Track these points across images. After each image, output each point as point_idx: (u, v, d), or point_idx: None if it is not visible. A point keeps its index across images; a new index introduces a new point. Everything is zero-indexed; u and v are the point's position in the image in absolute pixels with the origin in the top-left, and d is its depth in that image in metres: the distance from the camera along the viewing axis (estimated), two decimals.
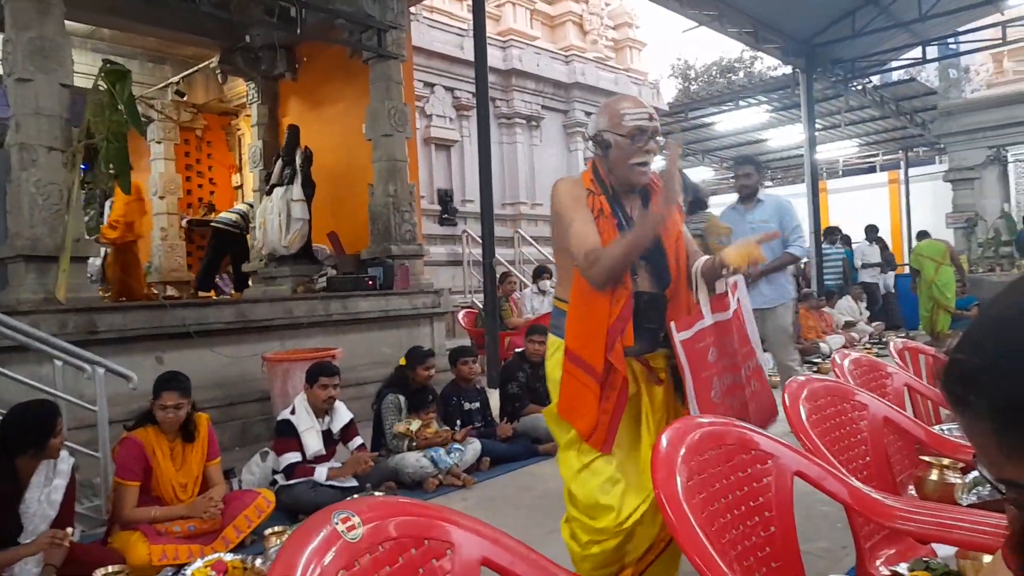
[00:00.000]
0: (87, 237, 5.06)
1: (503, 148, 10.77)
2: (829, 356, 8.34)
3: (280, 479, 3.71)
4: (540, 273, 7.92)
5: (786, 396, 2.06)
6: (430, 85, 10.10)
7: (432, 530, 1.21)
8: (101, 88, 5.24)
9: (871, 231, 12.26)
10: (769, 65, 26.44)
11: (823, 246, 11.93)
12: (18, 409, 2.89)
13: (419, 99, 9.56)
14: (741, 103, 15.88)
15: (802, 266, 10.91)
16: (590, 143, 2.24)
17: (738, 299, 2.22)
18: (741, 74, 26.96)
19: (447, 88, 10.35)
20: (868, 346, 8.98)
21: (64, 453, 2.97)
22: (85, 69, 7.45)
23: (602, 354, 2.06)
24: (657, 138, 2.12)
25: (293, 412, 3.84)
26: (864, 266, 11.65)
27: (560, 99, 11.92)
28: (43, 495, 2.80)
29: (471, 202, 10.02)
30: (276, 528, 3.21)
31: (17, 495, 2.76)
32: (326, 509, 1.08)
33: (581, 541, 2.16)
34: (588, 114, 12.23)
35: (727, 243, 3.64)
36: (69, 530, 2.78)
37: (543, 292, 7.80)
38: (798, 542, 1.66)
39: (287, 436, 3.76)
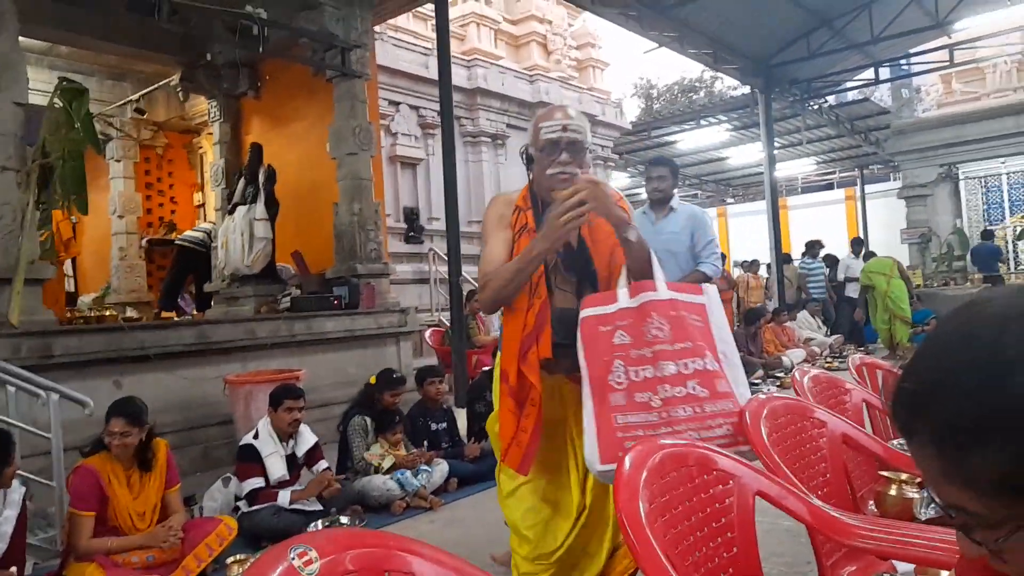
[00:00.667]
0: (41, 259, 4.92)
1: (468, 166, 10.82)
2: (791, 370, 8.50)
3: (243, 505, 3.63)
4: None
5: (747, 414, 2.08)
6: (395, 104, 10.10)
7: (392, 561, 1.19)
8: (57, 106, 5.14)
9: (857, 244, 12.38)
10: (729, 85, 26.99)
11: (805, 260, 12.17)
12: None
13: (384, 117, 9.56)
14: (702, 122, 16.20)
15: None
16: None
17: (699, 298, 2.01)
18: (702, 94, 27.48)
19: (412, 107, 10.37)
20: (829, 360, 9.16)
21: (15, 482, 2.88)
22: (41, 86, 7.29)
23: (516, 365, 1.99)
24: (578, 148, 2.07)
25: (256, 436, 3.77)
26: (848, 280, 11.38)
27: (525, 117, 12.01)
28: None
29: (437, 220, 10.02)
30: (239, 556, 3.15)
31: None
32: (282, 544, 1.06)
33: (519, 569, 2.14)
34: None
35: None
36: (13, 569, 2.69)
37: None
38: (760, 561, 1.68)
39: (250, 461, 3.69)
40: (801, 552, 3.18)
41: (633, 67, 40.84)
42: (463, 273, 6.88)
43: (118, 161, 9.73)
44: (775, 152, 12.89)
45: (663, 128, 16.87)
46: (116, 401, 3.24)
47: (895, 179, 19.31)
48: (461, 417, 5.30)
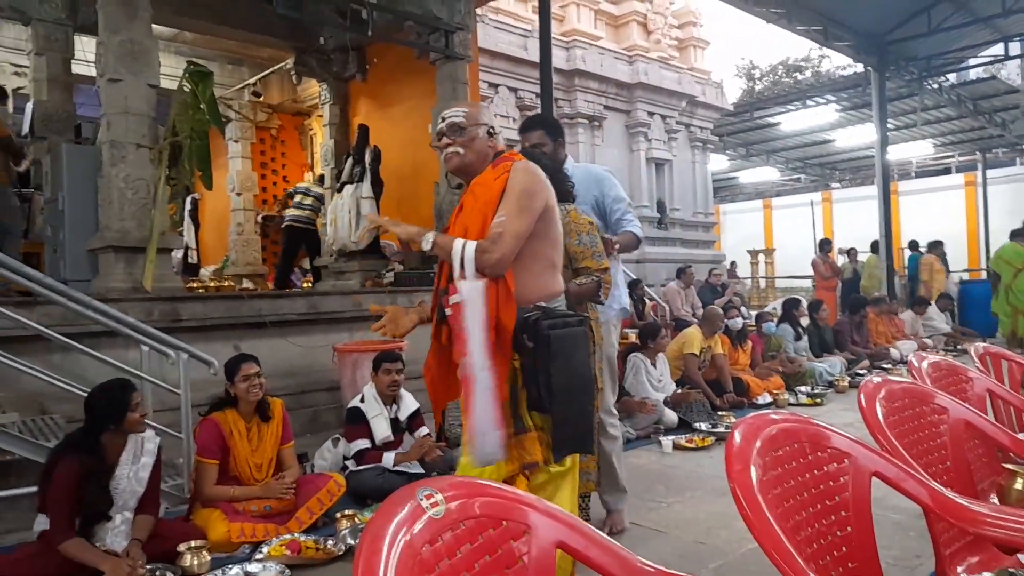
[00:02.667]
0: (171, 230, 5.31)
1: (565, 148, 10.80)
2: (899, 362, 8.09)
3: (350, 465, 3.83)
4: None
5: (862, 396, 2.03)
6: (494, 86, 10.19)
7: (510, 512, 1.24)
8: (185, 88, 5.50)
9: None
10: (838, 64, 25.66)
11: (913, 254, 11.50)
12: (97, 388, 3.07)
13: (483, 99, 9.66)
14: (808, 102, 15.51)
15: (720, 282, 10.30)
16: None
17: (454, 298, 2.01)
18: (808, 73, 26.24)
19: (511, 88, 10.43)
20: (944, 352, 8.66)
21: (150, 432, 3.14)
22: (169, 71, 7.78)
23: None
24: (456, 128, 2.21)
25: (363, 400, 3.96)
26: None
27: (623, 99, 11.87)
28: (131, 472, 2.97)
29: None
30: (347, 511, 3.33)
31: (107, 472, 2.93)
32: (411, 485, 1.13)
33: None
34: (651, 114, 12.15)
35: (588, 241, 2.82)
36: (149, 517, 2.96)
37: None
38: (875, 542, 1.64)
39: (357, 423, 3.88)
40: (910, 546, 3.06)
41: (735, 46, 39.43)
42: None
43: (236, 142, 10.29)
44: (888, 134, 12.19)
45: (766, 109, 16.27)
46: (236, 356, 3.50)
47: (1022, 163, 17.90)
48: None
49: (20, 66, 8.73)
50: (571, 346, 2.06)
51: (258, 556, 2.94)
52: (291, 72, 9.09)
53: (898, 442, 1.96)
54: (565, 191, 2.91)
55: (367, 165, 7.19)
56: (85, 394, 3.81)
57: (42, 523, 2.82)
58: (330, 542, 3.08)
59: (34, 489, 3.42)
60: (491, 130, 2.25)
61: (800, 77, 25.29)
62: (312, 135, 10.91)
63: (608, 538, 1.34)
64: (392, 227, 2.16)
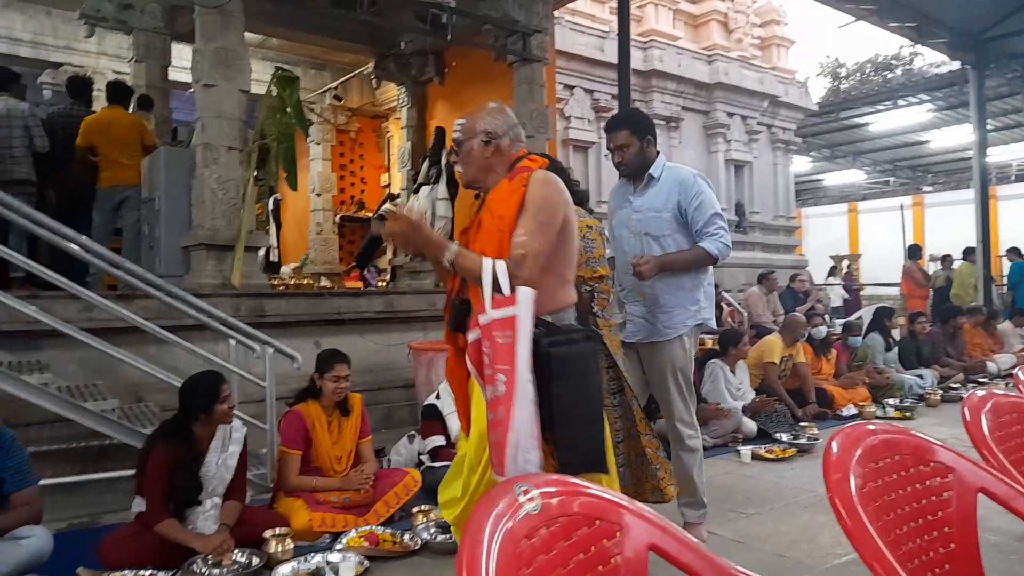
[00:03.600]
0: (257, 229, 5.51)
1: None
2: (997, 376, 7.63)
3: (426, 460, 3.88)
4: None
5: (966, 409, 1.92)
6: (570, 87, 10.17)
7: (604, 512, 1.24)
8: (273, 93, 5.70)
9: None
10: (932, 61, 24.44)
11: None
12: (190, 379, 3.21)
13: (559, 101, 9.65)
14: (900, 102, 14.86)
15: (804, 289, 9.75)
16: None
17: (509, 311, 1.85)
18: (899, 71, 25.12)
19: (586, 90, 10.38)
20: None
21: (238, 423, 3.27)
22: (256, 76, 8.08)
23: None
24: (458, 144, 2.20)
25: (438, 397, 4.01)
26: None
27: (701, 100, 11.65)
28: (220, 459, 3.10)
29: (605, 203, 9.97)
30: (423, 507, 3.38)
31: (197, 459, 3.06)
32: (509, 481, 1.14)
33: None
34: (731, 115, 11.87)
35: (582, 247, 2.74)
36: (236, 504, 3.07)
37: None
38: (981, 560, 1.55)
39: (433, 420, 3.93)
40: (1012, 571, 2.88)
41: (820, 45, 38.13)
42: None
43: (317, 144, 10.62)
44: (987, 135, 11.54)
45: (853, 109, 15.67)
46: (329, 350, 3.58)
47: None
48: None
49: (121, 73, 9.23)
50: (575, 365, 1.92)
51: (338, 546, 3.01)
52: (371, 76, 9.31)
53: (1005, 459, 1.85)
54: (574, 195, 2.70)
55: (443, 167, 7.29)
56: (178, 384, 4.01)
57: (139, 505, 2.97)
58: (406, 536, 3.13)
59: (131, 472, 3.62)
60: (488, 138, 2.10)
61: (890, 76, 24.24)
62: (389, 137, 11.15)
63: (701, 544, 1.31)
64: (418, 230, 2.03)
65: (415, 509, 3.35)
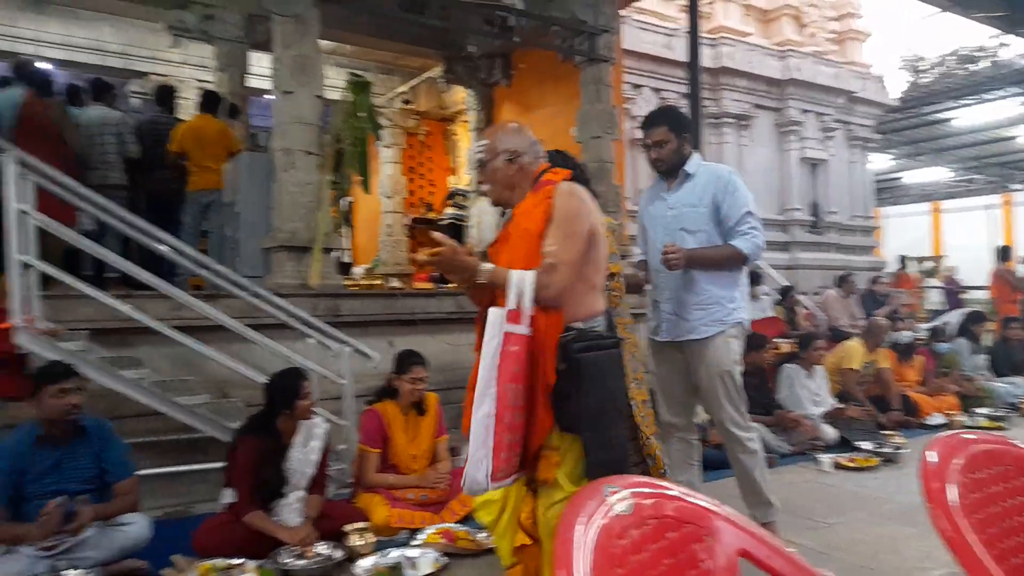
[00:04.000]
0: (333, 231, 5.67)
1: (710, 149, 10.46)
2: None
3: None
4: (753, 279, 7.61)
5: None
6: (637, 86, 10.06)
7: (693, 515, 1.23)
8: (347, 98, 5.85)
9: None
10: (1020, 52, 23.14)
11: None
12: (274, 376, 3.34)
13: (626, 101, 9.57)
14: (986, 96, 14.15)
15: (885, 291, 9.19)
16: None
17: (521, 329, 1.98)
18: (984, 63, 23.86)
19: (654, 89, 10.26)
20: None
21: (319, 419, 3.38)
22: (329, 82, 8.32)
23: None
24: (480, 164, 2.25)
25: None
26: None
27: (773, 96, 11.35)
28: (303, 454, 3.21)
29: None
30: None
31: (281, 453, 3.18)
32: (598, 481, 1.15)
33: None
34: (804, 111, 11.53)
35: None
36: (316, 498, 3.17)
37: (754, 298, 7.49)
38: None
39: None
40: None
41: (898, 38, 36.61)
42: None
43: (387, 147, 10.84)
44: None
45: (936, 104, 15.00)
46: (408, 352, 3.66)
47: None
48: None
49: (204, 81, 9.64)
50: (604, 369, 2.04)
51: (415, 541, 3.07)
52: (439, 80, 9.44)
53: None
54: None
55: None
56: (261, 381, 4.17)
57: (228, 496, 3.10)
58: (481, 535, 3.16)
59: (220, 465, 3.78)
60: (511, 156, 2.17)
61: (974, 68, 23.08)
62: (456, 140, 11.28)
63: (793, 551, 1.29)
64: (448, 258, 2.08)
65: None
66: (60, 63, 8.55)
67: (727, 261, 3.00)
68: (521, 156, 2.18)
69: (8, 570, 2.59)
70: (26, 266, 3.65)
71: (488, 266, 2.04)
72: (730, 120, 10.79)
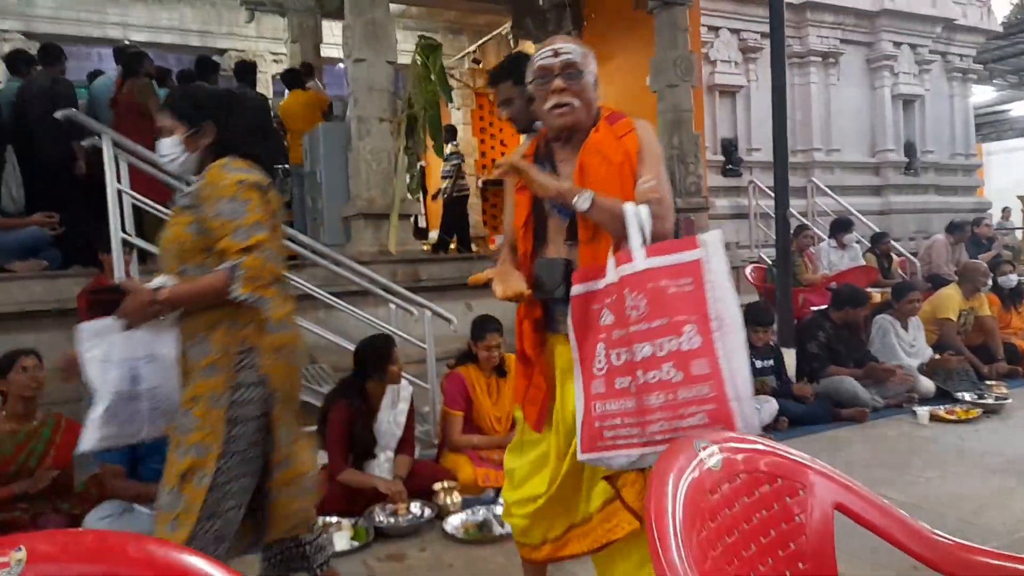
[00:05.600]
0: (409, 197, 5.73)
1: (795, 90, 9.96)
2: None
3: None
4: (843, 226, 7.26)
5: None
6: (714, 29, 9.63)
7: (786, 469, 1.21)
8: (418, 62, 5.85)
9: None
10: None
11: None
12: (364, 342, 3.43)
13: (703, 45, 9.19)
14: None
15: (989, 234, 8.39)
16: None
17: (690, 255, 1.59)
18: None
19: (732, 31, 9.80)
20: None
21: (405, 382, 3.46)
22: (399, 47, 8.35)
23: (518, 328, 1.94)
24: (575, 72, 1.80)
25: None
26: None
27: (863, 30, 10.65)
28: (391, 416, 3.31)
29: (757, 151, 9.48)
30: None
31: (371, 415, 3.28)
32: (687, 437, 1.13)
33: (508, 513, 2.12)
34: (898, 44, 10.80)
35: (230, 211, 1.83)
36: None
37: (843, 246, 7.16)
38: None
39: None
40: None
41: None
42: (790, 206, 6.44)
43: (458, 109, 10.83)
44: None
45: None
46: (483, 319, 3.69)
47: None
48: (788, 356, 5.05)
49: (278, 53, 9.87)
50: None
51: (502, 500, 3.12)
52: (508, 36, 9.31)
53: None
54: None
55: None
56: (346, 347, 4.30)
57: (321, 458, 3.23)
58: None
59: (310, 428, 3.94)
60: (595, 77, 1.87)
61: None
62: None
63: (889, 503, 1.24)
64: (531, 173, 1.77)
65: None
66: (145, 45, 8.90)
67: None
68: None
69: (140, 527, 2.79)
70: (126, 243, 3.85)
71: (590, 193, 1.70)
72: (816, 58, 10.22)
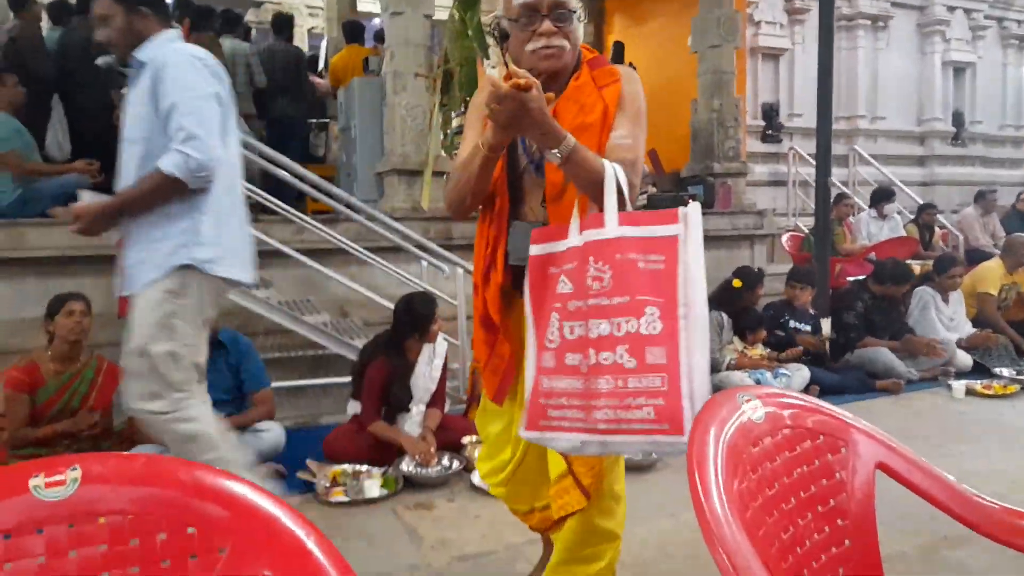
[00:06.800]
0: (443, 154, 5.70)
1: (841, 55, 9.63)
2: None
3: None
4: (884, 196, 7.07)
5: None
6: None
7: (829, 426, 1.19)
8: (455, 17, 5.75)
9: None
10: None
11: None
12: (405, 300, 3.44)
13: (748, 5, 8.93)
14: None
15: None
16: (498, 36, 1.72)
17: (668, 230, 1.41)
18: None
19: None
20: None
21: (440, 338, 3.48)
22: (437, 2, 8.24)
23: (480, 291, 1.74)
24: (565, 12, 1.61)
25: None
26: None
27: None
28: (427, 371, 3.34)
29: (799, 116, 9.23)
30: None
31: (408, 371, 3.32)
32: (730, 390, 1.11)
33: (485, 479, 2.04)
34: (951, 8, 10.38)
35: None
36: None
37: (883, 216, 6.99)
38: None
39: None
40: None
41: None
42: (832, 175, 6.28)
43: (493, 67, 10.67)
44: None
45: None
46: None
47: None
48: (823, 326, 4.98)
49: (313, 7, 9.81)
50: None
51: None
52: None
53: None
54: None
55: None
56: (378, 302, 4.34)
57: (354, 408, 3.28)
58: None
59: (342, 380, 4.01)
60: (582, 18, 1.68)
61: None
62: None
63: (932, 465, 1.22)
64: (530, 100, 1.39)
65: None
66: None
67: (154, 196, 2.11)
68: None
69: None
70: None
71: (572, 140, 1.46)
72: (864, 22, 9.87)
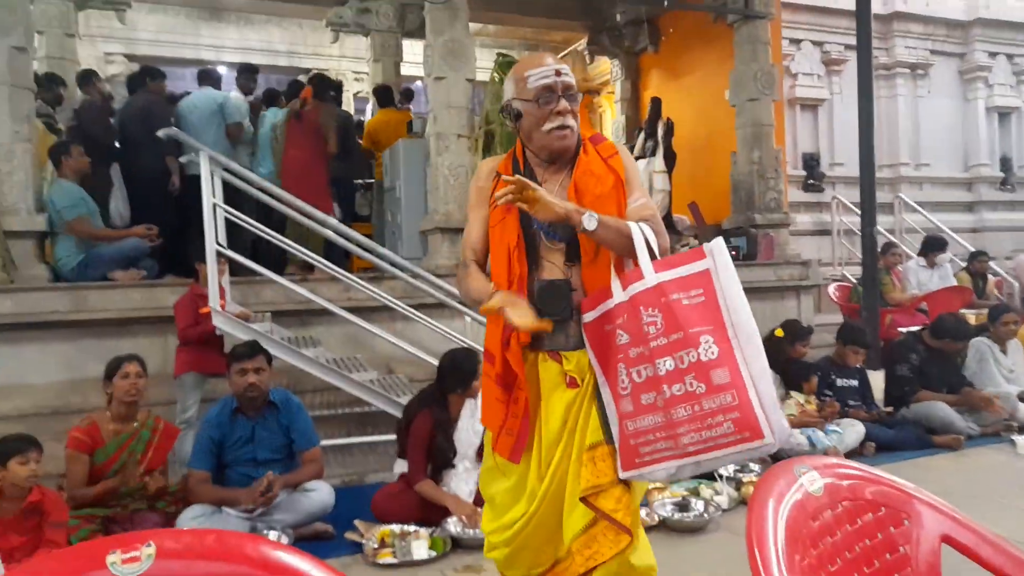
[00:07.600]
0: None
1: (880, 103, 9.59)
2: None
3: None
4: (937, 245, 6.91)
5: None
6: (796, 41, 9.42)
7: (891, 498, 1.17)
8: (496, 79, 5.94)
9: None
10: None
11: None
12: (449, 356, 3.47)
13: (784, 58, 9.00)
14: None
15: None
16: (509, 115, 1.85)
17: (698, 266, 1.59)
18: None
19: (815, 43, 9.55)
20: None
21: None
22: (477, 64, 8.51)
23: (500, 350, 1.77)
24: (574, 94, 1.77)
25: None
26: None
27: (955, 40, 10.21)
28: (470, 426, 3.34)
29: (840, 166, 9.18)
30: (658, 484, 3.36)
31: (451, 425, 3.33)
32: (787, 462, 1.10)
33: (488, 541, 1.98)
34: (993, 54, 10.30)
35: None
36: None
37: (933, 265, 6.83)
38: None
39: None
40: None
41: None
42: (877, 223, 6.20)
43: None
44: None
45: None
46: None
47: None
48: (874, 379, 4.85)
49: (359, 72, 10.19)
50: None
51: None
52: (584, 52, 9.35)
53: None
54: None
55: (659, 138, 7.12)
56: (423, 358, 4.38)
57: (400, 466, 3.30)
58: (643, 512, 3.15)
59: (389, 437, 4.03)
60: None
61: None
62: (601, 112, 11.13)
63: (1000, 537, 1.18)
64: (540, 193, 1.64)
65: (651, 487, 3.36)
66: (235, 65, 9.35)
67: None
68: None
69: (227, 528, 2.91)
70: (219, 254, 4.04)
71: (596, 214, 1.65)
72: (903, 70, 9.86)
